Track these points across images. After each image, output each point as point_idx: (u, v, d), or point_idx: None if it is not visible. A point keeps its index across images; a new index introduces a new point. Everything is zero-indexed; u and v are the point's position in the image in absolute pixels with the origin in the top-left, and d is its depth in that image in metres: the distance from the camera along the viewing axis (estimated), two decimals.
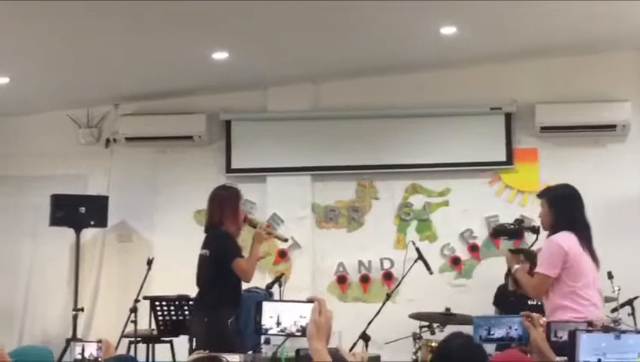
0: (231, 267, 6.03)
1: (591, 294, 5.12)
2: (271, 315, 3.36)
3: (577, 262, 5.12)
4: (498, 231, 6.20)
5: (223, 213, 6.20)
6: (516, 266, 5.39)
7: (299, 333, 3.29)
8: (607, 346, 2.09)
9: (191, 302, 6.86)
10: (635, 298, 6.99)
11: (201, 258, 6.24)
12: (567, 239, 5.16)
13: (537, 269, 5.22)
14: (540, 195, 5.48)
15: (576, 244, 5.16)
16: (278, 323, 3.37)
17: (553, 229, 5.27)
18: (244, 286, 7.53)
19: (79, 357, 4.20)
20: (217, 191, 6.38)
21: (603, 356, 2.07)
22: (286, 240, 7.01)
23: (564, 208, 5.31)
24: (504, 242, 7.68)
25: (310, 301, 2.90)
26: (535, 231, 5.51)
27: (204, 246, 6.27)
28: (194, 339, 6.15)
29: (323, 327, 2.79)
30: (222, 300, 6.00)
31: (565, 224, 5.23)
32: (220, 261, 6.10)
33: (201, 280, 6.26)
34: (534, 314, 3.84)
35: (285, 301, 3.25)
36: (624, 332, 2.11)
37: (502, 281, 7.71)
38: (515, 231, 5.61)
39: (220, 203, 6.26)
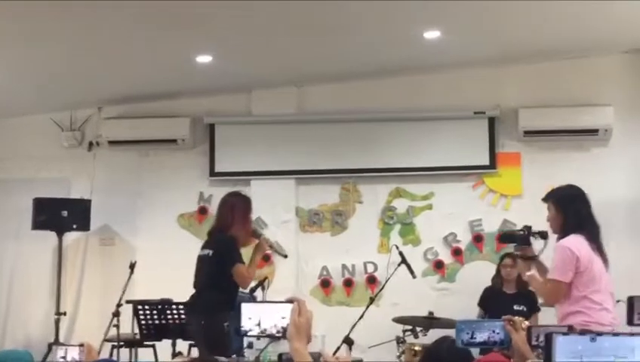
0: (231, 270, 6.01)
1: (602, 298, 5.07)
2: (250, 317, 3.31)
3: (588, 266, 5.07)
4: (506, 237, 6.17)
5: (233, 218, 6.22)
6: (528, 273, 5.35)
7: (279, 334, 3.26)
8: (584, 349, 2.09)
9: (174, 306, 6.83)
10: (617, 301, 6.99)
11: (202, 258, 6.23)
12: (576, 242, 5.10)
13: (550, 276, 5.16)
14: (546, 198, 5.41)
15: (585, 247, 5.10)
16: (259, 325, 3.32)
17: (562, 232, 5.20)
18: None
19: (61, 360, 4.17)
20: (229, 197, 6.42)
21: (579, 359, 2.07)
22: (285, 256, 6.96)
23: (572, 209, 5.24)
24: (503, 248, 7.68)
25: (290, 301, 2.89)
26: (544, 236, 5.44)
27: (207, 246, 6.25)
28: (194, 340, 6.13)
29: (303, 327, 2.78)
30: (218, 302, 5.95)
31: (574, 225, 5.17)
32: (221, 262, 6.08)
33: (199, 280, 6.22)
34: (516, 318, 3.85)
35: (265, 302, 3.19)
36: (600, 334, 2.12)
37: (485, 284, 7.77)
38: (524, 236, 5.56)
39: (231, 208, 6.28)
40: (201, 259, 6.23)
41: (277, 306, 3.15)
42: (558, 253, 5.14)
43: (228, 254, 6.08)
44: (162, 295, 7.12)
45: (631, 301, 2.77)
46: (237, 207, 6.28)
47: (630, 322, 2.79)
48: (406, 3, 6.59)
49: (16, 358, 3.56)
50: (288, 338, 2.79)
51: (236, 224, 6.20)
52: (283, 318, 3.01)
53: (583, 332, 2.15)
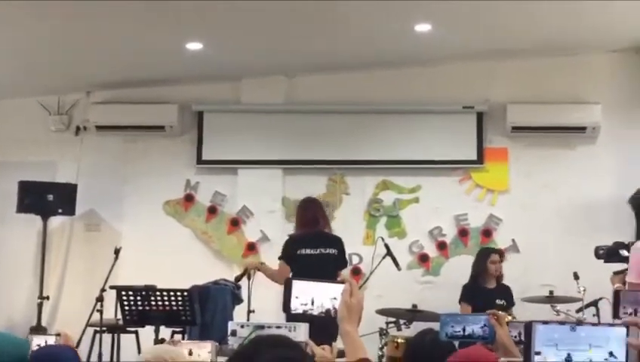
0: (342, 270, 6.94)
1: None
2: (297, 295, 3.24)
3: None
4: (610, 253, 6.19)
5: (327, 220, 7.17)
6: (616, 285, 5.29)
7: (322, 315, 3.19)
8: (561, 337, 2.13)
9: (158, 292, 6.81)
10: (600, 299, 7.04)
11: (326, 256, 6.82)
12: None
13: (628, 279, 5.06)
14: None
15: None
16: (307, 304, 3.24)
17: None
18: (213, 278, 7.56)
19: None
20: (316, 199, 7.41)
21: (555, 347, 2.11)
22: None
23: None
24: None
25: (341, 282, 2.85)
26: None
27: (327, 245, 6.86)
28: None
29: (355, 309, 2.71)
30: None
31: None
32: (342, 262, 6.97)
33: (326, 278, 6.49)
34: (500, 312, 3.87)
35: (315, 281, 3.11)
36: (580, 324, 2.16)
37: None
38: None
39: (323, 209, 7.27)
40: (324, 257, 6.78)
41: (328, 286, 3.09)
42: (631, 254, 5.10)
43: (345, 254, 6.99)
44: (147, 281, 7.08)
45: (617, 295, 2.80)
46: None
47: (616, 315, 2.81)
48: None
49: (13, 344, 3.52)
50: (339, 319, 2.73)
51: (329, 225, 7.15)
52: (334, 299, 2.96)
53: (563, 322, 2.18)
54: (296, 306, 3.14)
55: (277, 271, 6.80)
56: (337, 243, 6.96)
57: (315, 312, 3.11)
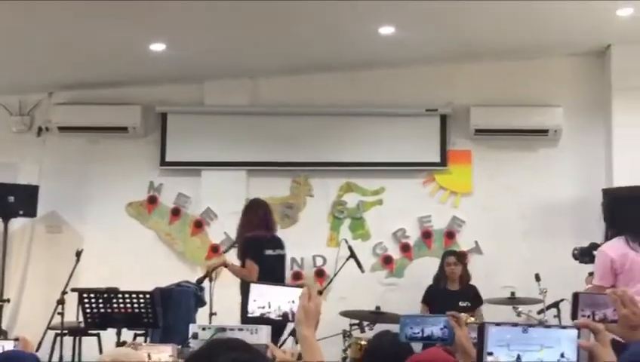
0: None
1: None
2: (255, 299, 3.24)
3: (625, 267, 4.94)
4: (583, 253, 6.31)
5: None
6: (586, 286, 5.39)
7: (280, 318, 3.20)
8: (513, 338, 2.17)
9: (120, 295, 6.77)
10: (562, 300, 7.11)
11: (282, 257, 7.08)
12: (611, 245, 5.05)
13: (593, 281, 5.13)
14: None
15: (622, 247, 4.98)
16: (264, 307, 3.25)
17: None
18: (176, 280, 7.53)
19: None
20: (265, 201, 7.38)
21: (507, 347, 2.15)
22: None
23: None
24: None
25: (299, 286, 2.85)
26: None
27: (281, 246, 7.08)
28: None
29: (312, 313, 2.71)
30: None
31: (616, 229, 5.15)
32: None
33: (281, 277, 7.00)
34: (461, 314, 3.88)
35: (274, 285, 3.11)
36: (531, 326, 2.20)
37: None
38: None
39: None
40: (280, 259, 7.04)
41: (286, 290, 3.09)
42: (596, 258, 5.20)
43: None
44: (109, 284, 7.05)
45: (576, 297, 2.82)
46: None
47: (574, 317, 2.84)
48: None
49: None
50: (296, 323, 2.73)
51: None
52: (291, 302, 2.96)
53: (516, 324, 2.22)
54: (254, 309, 3.16)
55: (247, 270, 6.77)
56: (284, 244, 7.21)
57: (273, 315, 3.12)
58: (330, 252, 8.22)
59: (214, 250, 8.59)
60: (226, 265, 6.96)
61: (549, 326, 2.30)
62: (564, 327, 2.26)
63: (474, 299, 7.60)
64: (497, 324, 2.16)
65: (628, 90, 8.12)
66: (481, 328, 2.15)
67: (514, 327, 2.17)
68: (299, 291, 2.75)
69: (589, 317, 2.82)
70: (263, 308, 3.15)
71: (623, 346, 2.66)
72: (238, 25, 7.25)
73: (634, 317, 2.70)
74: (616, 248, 5.00)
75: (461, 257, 7.97)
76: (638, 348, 2.58)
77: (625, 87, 8.13)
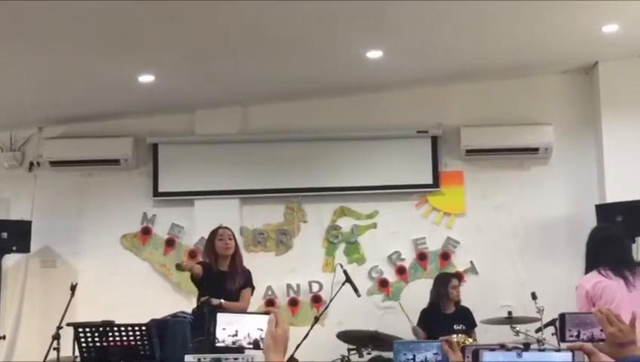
0: None
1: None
2: (224, 327, 3.24)
3: (599, 293, 5.23)
4: None
5: None
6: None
7: (250, 346, 3.20)
8: None
9: (116, 328, 6.73)
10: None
11: None
12: (586, 279, 5.33)
13: None
14: None
15: (595, 277, 5.26)
16: (233, 336, 3.27)
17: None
18: (172, 311, 7.49)
19: None
20: None
21: None
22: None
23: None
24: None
25: (266, 313, 2.84)
26: None
27: None
28: None
29: (280, 339, 2.69)
30: None
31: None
32: None
33: None
34: (454, 337, 3.88)
35: (241, 313, 3.15)
36: (526, 350, 2.19)
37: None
38: None
39: None
40: None
41: (253, 317, 3.10)
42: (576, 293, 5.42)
43: None
44: (105, 317, 7.01)
45: (563, 317, 2.82)
46: None
47: (562, 339, 2.83)
48: (348, 24, 6.65)
49: None
50: (265, 350, 2.70)
51: None
52: (259, 329, 2.96)
53: (510, 349, 2.21)
54: (224, 337, 3.17)
55: (247, 300, 6.83)
56: None
57: (244, 343, 3.14)
58: (326, 277, 8.19)
59: None
60: (224, 307, 6.90)
61: (543, 350, 2.30)
62: (558, 350, 2.25)
63: (468, 322, 7.56)
64: (492, 349, 2.16)
65: (617, 105, 8.17)
66: (475, 353, 2.15)
67: (508, 352, 2.17)
68: (266, 318, 2.75)
69: (576, 336, 2.83)
70: (233, 336, 3.17)
71: None
72: (226, 53, 7.26)
73: (620, 334, 2.72)
74: (588, 279, 5.29)
75: (460, 279, 7.98)
76: None
77: (613, 102, 8.18)
